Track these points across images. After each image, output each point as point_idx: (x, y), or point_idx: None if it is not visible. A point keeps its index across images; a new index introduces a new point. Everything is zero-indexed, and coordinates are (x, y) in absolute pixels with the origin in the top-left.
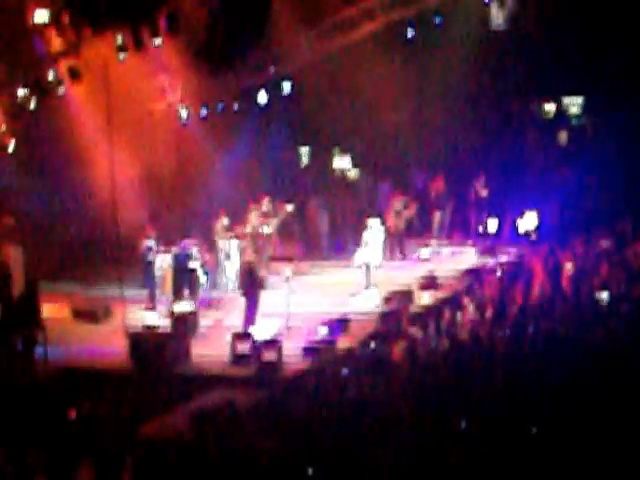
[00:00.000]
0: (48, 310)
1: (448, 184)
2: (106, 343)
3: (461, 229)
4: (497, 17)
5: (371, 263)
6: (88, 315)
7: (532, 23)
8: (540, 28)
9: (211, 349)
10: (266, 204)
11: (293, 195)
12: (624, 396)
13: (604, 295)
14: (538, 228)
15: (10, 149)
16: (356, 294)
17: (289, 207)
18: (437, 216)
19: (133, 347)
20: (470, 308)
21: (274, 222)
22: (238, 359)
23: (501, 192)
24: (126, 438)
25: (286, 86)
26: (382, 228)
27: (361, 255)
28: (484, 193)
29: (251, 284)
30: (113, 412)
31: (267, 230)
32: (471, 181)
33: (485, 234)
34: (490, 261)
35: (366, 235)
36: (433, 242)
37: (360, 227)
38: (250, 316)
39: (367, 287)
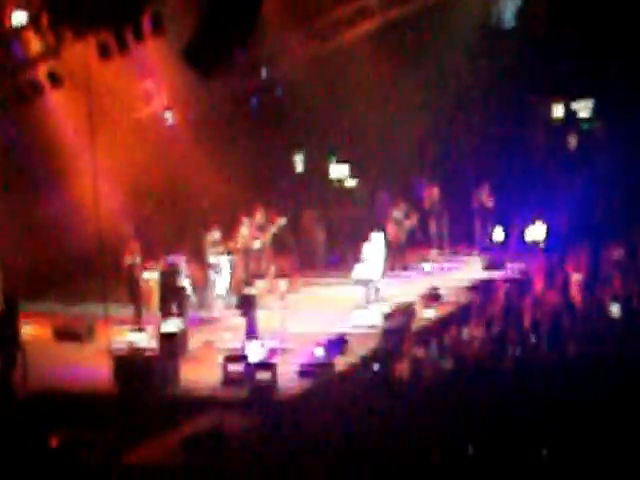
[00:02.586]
0: (28, 330)
1: (447, 192)
2: (90, 365)
3: (465, 240)
4: (505, 14)
5: (371, 279)
6: (70, 335)
7: (541, 22)
8: (549, 27)
9: (201, 371)
10: (259, 216)
11: (287, 206)
12: (638, 415)
13: (616, 308)
14: (547, 238)
15: None
16: (358, 309)
17: (282, 220)
18: (433, 226)
19: (118, 369)
20: (476, 325)
21: (267, 236)
22: (230, 381)
23: (507, 200)
24: (111, 465)
25: (278, 90)
26: (384, 243)
27: (360, 270)
28: (490, 203)
29: (246, 303)
30: (97, 438)
31: (257, 245)
32: (474, 189)
33: (491, 245)
34: (496, 275)
35: (366, 250)
36: (433, 253)
37: (358, 239)
38: (246, 336)
39: (368, 303)
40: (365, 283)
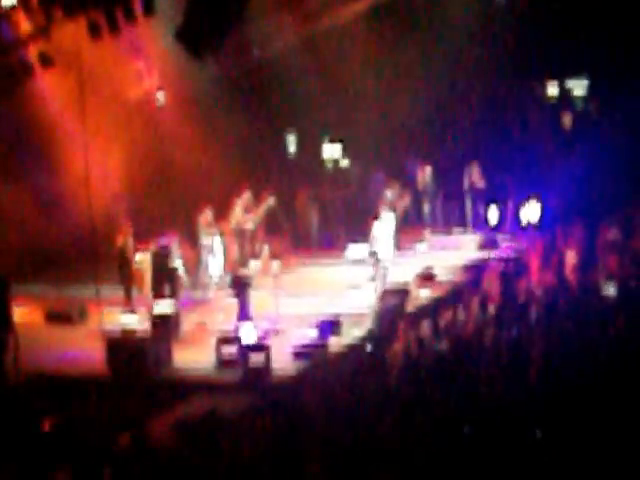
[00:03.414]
0: (19, 313)
1: (440, 172)
2: (82, 347)
3: (459, 220)
4: None
5: (381, 257)
6: (62, 318)
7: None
8: (543, 3)
9: (194, 353)
10: (247, 197)
11: (280, 186)
12: (633, 398)
13: (611, 288)
14: (541, 217)
15: None
16: (352, 289)
17: (271, 200)
18: (426, 206)
19: (111, 351)
20: (471, 306)
21: (258, 215)
22: (223, 364)
23: (501, 180)
24: (104, 448)
25: (269, 70)
26: (393, 221)
27: (354, 250)
28: (481, 184)
29: (239, 284)
30: (90, 421)
31: (250, 226)
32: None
33: (485, 225)
34: (491, 255)
35: (376, 228)
36: (427, 233)
37: (352, 219)
38: (240, 317)
39: (372, 280)
40: (375, 261)
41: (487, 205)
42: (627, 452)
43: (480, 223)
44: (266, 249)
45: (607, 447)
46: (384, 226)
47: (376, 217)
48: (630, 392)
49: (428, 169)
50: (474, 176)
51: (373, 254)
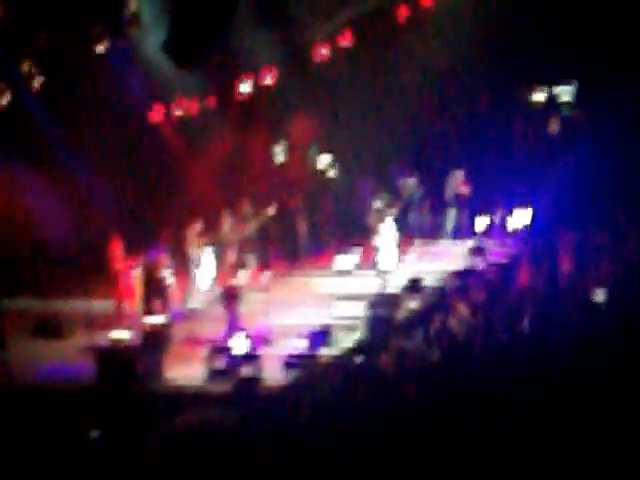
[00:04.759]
0: (9, 328)
1: (426, 181)
2: (72, 361)
3: (445, 229)
4: None
5: (386, 268)
6: (52, 332)
7: (520, 5)
8: (529, 9)
9: (185, 365)
10: (246, 208)
11: (269, 197)
12: (624, 403)
13: (601, 294)
14: (530, 224)
15: None
16: (341, 300)
17: (270, 210)
18: (413, 216)
19: (101, 365)
20: (461, 313)
21: (250, 227)
22: (214, 375)
23: (489, 187)
24: (95, 462)
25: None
26: (395, 231)
27: (342, 260)
28: (465, 190)
29: (228, 295)
30: (82, 434)
31: (240, 237)
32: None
33: (473, 233)
34: (479, 262)
35: (379, 239)
36: (416, 242)
37: (341, 229)
38: (231, 329)
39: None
40: (379, 272)
41: (475, 212)
42: (619, 461)
43: (467, 231)
44: (254, 260)
45: (598, 455)
46: (385, 236)
47: (375, 232)
48: (621, 398)
49: (413, 179)
50: (458, 184)
51: (377, 265)
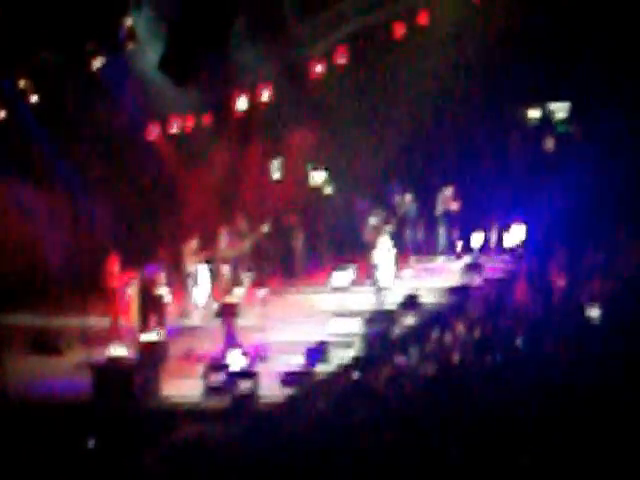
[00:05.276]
0: (5, 344)
1: (421, 198)
2: (68, 378)
3: (441, 246)
4: None
5: (382, 285)
6: (49, 348)
7: (515, 22)
8: (525, 26)
9: (182, 381)
10: (242, 224)
11: (266, 213)
12: (618, 418)
13: (595, 311)
14: (525, 241)
15: None
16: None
17: (265, 227)
18: (408, 233)
19: (97, 381)
20: (456, 329)
21: (246, 243)
22: (211, 391)
23: (484, 204)
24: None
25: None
26: (392, 247)
27: (338, 277)
28: (454, 206)
29: (226, 311)
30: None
31: (236, 253)
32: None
33: (468, 249)
34: (475, 278)
35: (375, 256)
36: (411, 259)
37: (337, 246)
38: (227, 345)
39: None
40: (377, 289)
41: (469, 229)
42: (612, 471)
43: (458, 247)
44: (250, 276)
45: (593, 469)
46: (383, 253)
47: (371, 248)
48: (615, 412)
49: (409, 195)
50: (447, 200)
51: (375, 282)
